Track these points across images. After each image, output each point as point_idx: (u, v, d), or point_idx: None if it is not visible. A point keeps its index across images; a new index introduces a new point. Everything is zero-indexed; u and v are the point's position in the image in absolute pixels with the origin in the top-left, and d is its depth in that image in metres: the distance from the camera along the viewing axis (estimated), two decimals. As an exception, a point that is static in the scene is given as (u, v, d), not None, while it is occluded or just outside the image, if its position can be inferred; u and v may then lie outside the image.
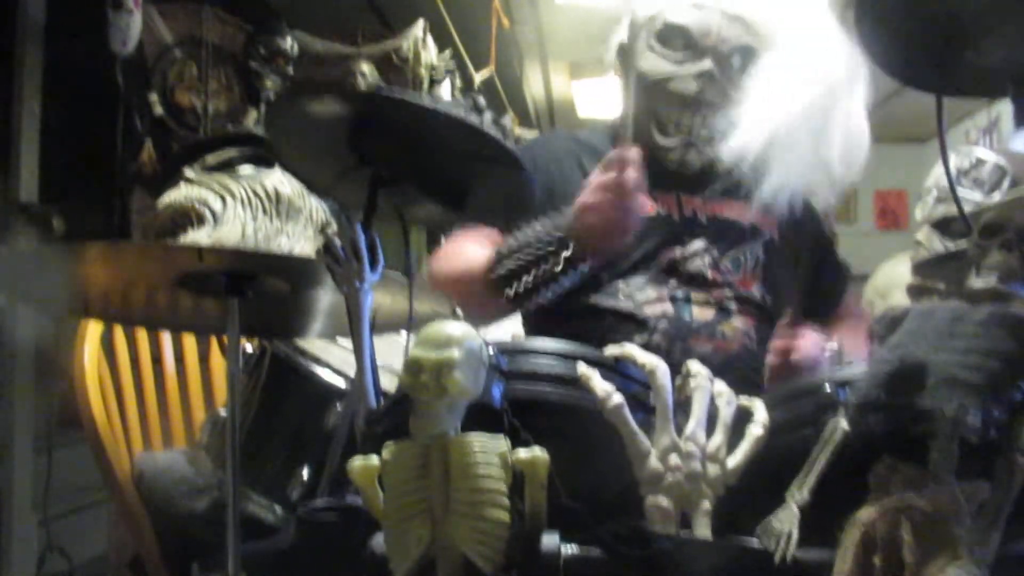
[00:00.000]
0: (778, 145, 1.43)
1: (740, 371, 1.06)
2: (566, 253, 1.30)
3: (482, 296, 1.37)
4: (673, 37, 1.48)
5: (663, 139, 1.49)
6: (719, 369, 0.95)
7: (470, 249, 1.45)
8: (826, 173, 1.46)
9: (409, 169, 1.08)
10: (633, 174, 1.27)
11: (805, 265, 1.58)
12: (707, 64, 1.46)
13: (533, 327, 1.54)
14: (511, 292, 1.32)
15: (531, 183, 1.17)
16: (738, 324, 1.46)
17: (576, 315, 1.47)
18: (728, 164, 1.48)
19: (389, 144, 1.06)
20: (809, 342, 1.33)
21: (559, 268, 1.30)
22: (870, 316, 1.70)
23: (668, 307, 1.44)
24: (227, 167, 1.86)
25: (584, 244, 1.30)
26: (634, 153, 1.29)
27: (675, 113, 1.48)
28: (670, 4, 1.50)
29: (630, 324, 1.43)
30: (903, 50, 0.96)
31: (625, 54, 1.56)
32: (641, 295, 1.45)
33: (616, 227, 1.30)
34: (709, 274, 1.47)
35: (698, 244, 1.49)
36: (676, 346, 1.40)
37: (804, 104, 1.43)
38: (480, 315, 1.40)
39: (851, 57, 1.42)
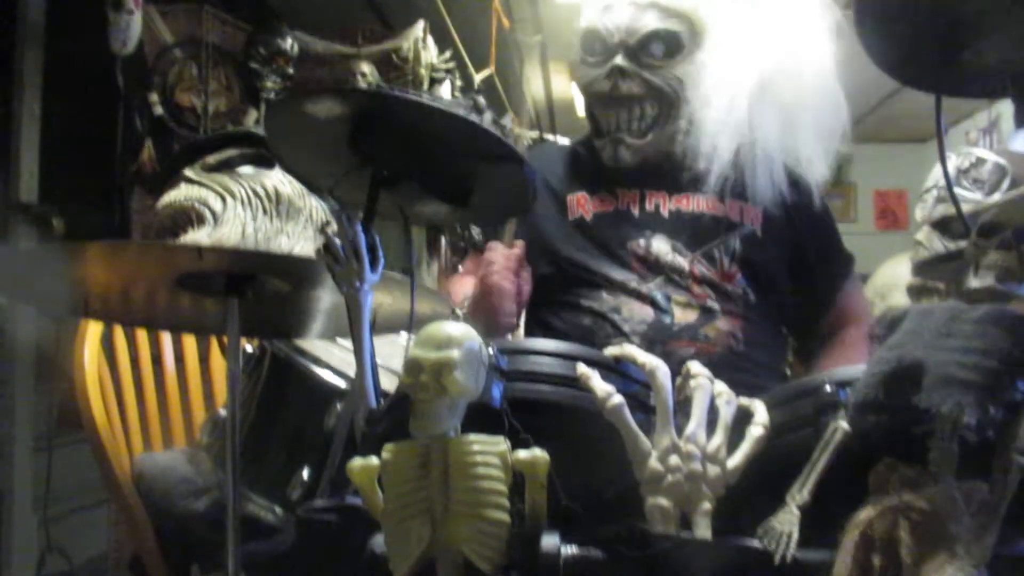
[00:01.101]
0: (751, 128, 1.44)
1: (725, 373, 1.06)
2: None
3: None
4: (591, 43, 1.53)
5: (597, 139, 1.54)
6: None
7: (460, 285, 1.69)
8: (808, 146, 1.47)
9: (410, 168, 1.08)
10: (496, 274, 1.42)
11: (800, 253, 1.56)
12: (617, 60, 1.48)
13: (525, 325, 1.56)
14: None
15: (533, 179, 1.18)
16: (722, 325, 1.44)
17: (561, 315, 1.50)
18: (697, 157, 1.49)
19: (389, 143, 1.06)
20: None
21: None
22: (869, 317, 1.67)
23: (648, 310, 1.44)
24: (227, 167, 1.86)
25: (474, 322, 1.44)
26: (501, 253, 1.43)
27: (601, 114, 1.52)
28: (586, 12, 1.53)
29: (608, 326, 1.44)
30: (903, 50, 0.96)
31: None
32: (622, 297, 1.46)
33: (491, 315, 1.44)
34: (686, 268, 1.47)
35: (660, 238, 1.49)
36: (656, 350, 1.37)
37: (768, 81, 1.43)
38: None
39: (811, 24, 1.44)
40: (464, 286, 1.59)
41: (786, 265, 1.54)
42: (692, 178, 1.51)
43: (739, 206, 1.52)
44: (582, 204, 1.55)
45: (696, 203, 1.53)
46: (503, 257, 1.45)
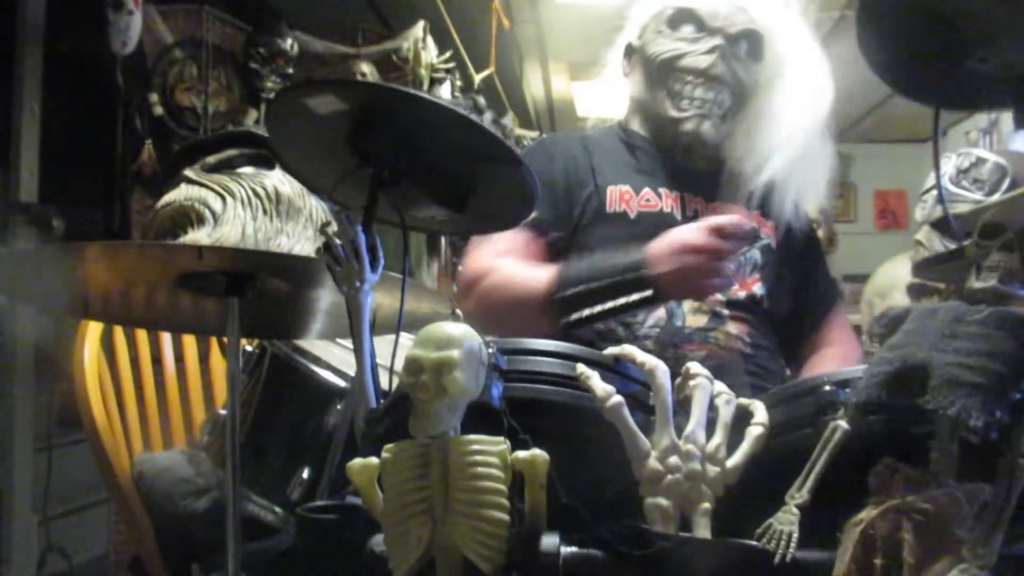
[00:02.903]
0: (789, 152, 1.45)
1: (734, 377, 1.06)
2: (642, 295, 1.28)
3: (535, 315, 1.34)
4: (683, 20, 1.54)
5: (677, 112, 1.52)
6: (712, 375, 0.95)
7: (520, 267, 1.43)
8: (826, 173, 1.50)
9: (409, 168, 1.08)
10: (729, 245, 1.27)
11: (799, 273, 1.60)
12: (718, 40, 1.51)
13: None
14: (573, 317, 1.30)
15: (532, 182, 1.17)
16: (732, 330, 1.46)
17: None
18: (733, 168, 1.50)
19: (389, 141, 1.05)
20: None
21: (630, 302, 1.29)
22: (854, 340, 1.69)
23: (660, 313, 1.44)
24: (227, 167, 1.86)
25: (664, 293, 1.29)
26: (735, 223, 1.28)
27: (689, 87, 1.52)
28: None
29: (620, 328, 1.44)
30: (904, 62, 0.96)
31: (634, 51, 1.60)
32: None
33: (700, 290, 1.31)
34: None
35: None
36: (668, 352, 1.39)
37: (809, 112, 1.45)
38: (525, 333, 1.24)
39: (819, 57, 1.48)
40: (528, 269, 1.54)
41: (791, 280, 1.56)
42: (726, 186, 1.52)
43: (761, 218, 1.56)
44: (625, 199, 1.52)
45: (730, 213, 1.53)
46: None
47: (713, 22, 1.52)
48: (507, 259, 1.46)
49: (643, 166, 1.56)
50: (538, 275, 1.37)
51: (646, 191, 1.53)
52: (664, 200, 1.53)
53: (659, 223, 1.48)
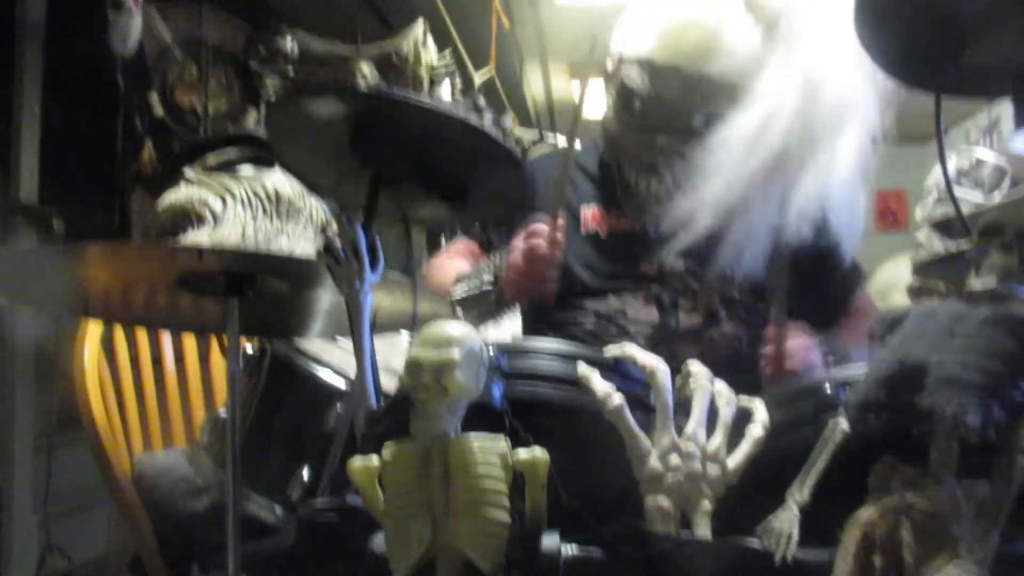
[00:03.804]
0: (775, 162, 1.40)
1: (729, 376, 1.06)
2: (497, 294, 1.47)
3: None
4: (629, 101, 1.46)
5: (625, 195, 1.52)
6: None
7: (450, 266, 1.60)
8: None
9: (410, 169, 1.08)
10: (544, 247, 1.39)
11: (809, 265, 1.57)
12: (660, 140, 1.43)
13: (527, 325, 1.55)
14: (463, 312, 1.49)
15: (531, 181, 1.18)
16: (727, 329, 1.46)
17: (566, 318, 1.49)
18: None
19: (389, 144, 1.06)
20: (799, 344, 1.34)
21: (493, 301, 1.47)
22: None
23: (653, 312, 1.45)
24: (227, 167, 1.86)
25: (508, 293, 1.46)
26: (548, 228, 1.38)
27: (632, 175, 1.50)
28: (627, 66, 1.47)
29: (612, 327, 1.44)
30: (902, 50, 0.96)
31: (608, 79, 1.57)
32: (628, 300, 1.46)
33: (531, 287, 1.43)
34: (694, 286, 1.47)
35: (673, 258, 1.49)
36: (660, 351, 1.37)
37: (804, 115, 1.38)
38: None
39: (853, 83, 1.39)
40: (455, 267, 1.57)
41: (795, 276, 1.54)
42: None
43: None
44: (596, 219, 1.54)
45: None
46: (551, 228, 1.41)
47: (655, 112, 1.42)
48: (449, 258, 1.66)
49: (615, 185, 1.55)
50: (453, 272, 1.55)
51: (616, 209, 1.54)
52: (631, 219, 1.53)
53: (629, 241, 1.51)
